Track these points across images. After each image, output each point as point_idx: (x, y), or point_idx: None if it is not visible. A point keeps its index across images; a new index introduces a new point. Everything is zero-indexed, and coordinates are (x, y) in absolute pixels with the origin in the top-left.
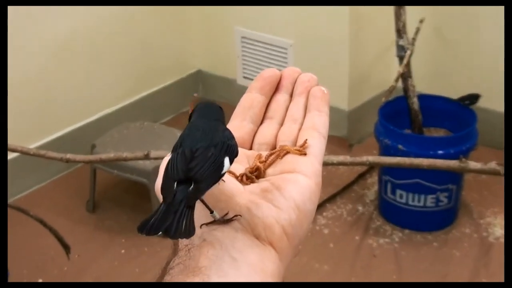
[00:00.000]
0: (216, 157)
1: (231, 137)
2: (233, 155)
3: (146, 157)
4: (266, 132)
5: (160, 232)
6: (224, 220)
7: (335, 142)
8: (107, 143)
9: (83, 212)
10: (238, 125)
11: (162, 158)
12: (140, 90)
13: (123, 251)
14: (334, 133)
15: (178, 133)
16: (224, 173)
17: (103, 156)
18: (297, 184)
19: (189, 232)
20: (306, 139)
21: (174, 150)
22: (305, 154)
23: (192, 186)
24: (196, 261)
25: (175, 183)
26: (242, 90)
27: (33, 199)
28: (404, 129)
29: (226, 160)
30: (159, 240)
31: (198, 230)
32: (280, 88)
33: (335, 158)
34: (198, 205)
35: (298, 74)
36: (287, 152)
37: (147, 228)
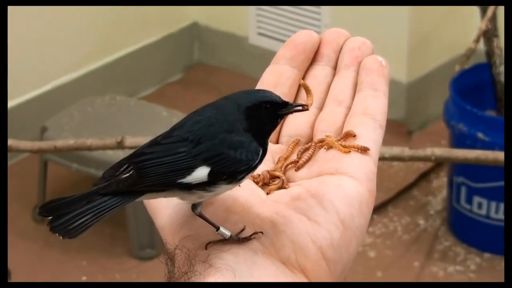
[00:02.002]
0: (186, 157)
1: (244, 147)
2: (223, 170)
3: (119, 145)
4: (299, 120)
5: (50, 217)
6: (239, 239)
7: (388, 128)
8: (64, 125)
9: (29, 223)
10: None
11: (140, 146)
12: (110, 51)
13: (84, 277)
14: (387, 115)
15: (164, 112)
16: (188, 184)
17: (58, 143)
18: (341, 191)
19: (73, 232)
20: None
21: None
22: (363, 150)
23: (128, 175)
24: None
25: (124, 166)
26: (255, 52)
27: None
28: (486, 110)
29: (201, 170)
30: (139, 263)
31: (202, 252)
32: (319, 58)
33: (387, 151)
34: (210, 210)
35: (344, 39)
36: (330, 147)
37: (46, 207)
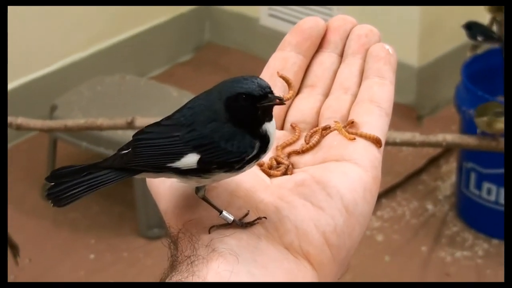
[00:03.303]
0: (178, 142)
1: (236, 139)
2: (212, 159)
3: (129, 125)
4: (305, 106)
5: (52, 183)
6: (243, 224)
7: (398, 112)
8: (73, 104)
9: (38, 201)
10: None
11: None
12: (121, 30)
13: (92, 256)
14: (397, 100)
15: (174, 93)
16: (176, 169)
17: (69, 122)
18: (346, 177)
19: (63, 201)
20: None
21: None
22: (376, 142)
23: (123, 152)
24: (202, 279)
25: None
26: (266, 34)
27: None
28: (498, 96)
29: (191, 156)
30: (147, 242)
31: (205, 236)
32: (325, 45)
33: (397, 136)
34: (213, 193)
35: (351, 26)
36: (341, 128)
37: (54, 173)
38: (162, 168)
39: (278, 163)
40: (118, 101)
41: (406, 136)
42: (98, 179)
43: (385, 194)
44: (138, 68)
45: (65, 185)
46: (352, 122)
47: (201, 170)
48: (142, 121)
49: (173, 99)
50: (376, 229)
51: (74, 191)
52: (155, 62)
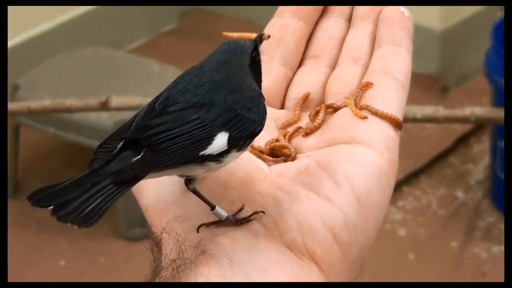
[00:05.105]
0: (202, 124)
1: (253, 105)
2: (241, 134)
3: (104, 106)
4: (308, 80)
5: (50, 207)
6: (237, 220)
7: (419, 84)
8: (39, 83)
9: None
10: (262, 68)
11: (128, 107)
12: None
13: (62, 262)
14: (418, 69)
15: (156, 67)
16: (215, 157)
17: (33, 104)
18: (357, 162)
19: (88, 219)
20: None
21: (151, 101)
22: (395, 124)
23: (141, 155)
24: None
25: (120, 144)
26: None
27: None
28: None
29: (221, 136)
30: (127, 244)
31: (193, 236)
32: (330, 9)
33: (419, 111)
34: (202, 185)
35: None
36: (352, 105)
37: (38, 196)
38: (192, 160)
39: (278, 147)
40: (91, 79)
41: (428, 110)
42: (111, 188)
43: (407, 180)
44: (115, 40)
45: (74, 203)
46: (366, 86)
47: (224, 152)
48: (119, 101)
49: (156, 74)
50: (397, 222)
51: (93, 205)
52: (134, 33)
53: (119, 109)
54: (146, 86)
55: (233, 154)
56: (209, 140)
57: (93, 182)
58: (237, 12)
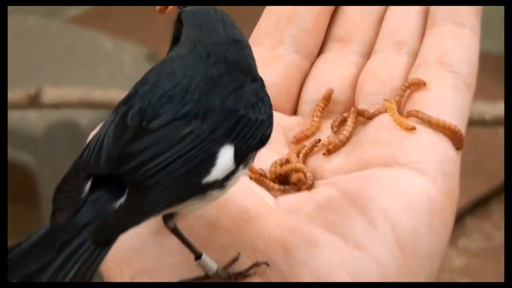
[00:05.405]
0: (199, 141)
1: (258, 99)
2: (249, 143)
3: (33, 101)
4: (332, 74)
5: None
6: (230, 276)
7: (485, 68)
8: None
9: None
10: (265, 55)
11: (68, 104)
12: None
13: None
14: (484, 47)
15: (107, 44)
16: (218, 183)
17: None
18: (400, 193)
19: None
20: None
21: (115, 110)
22: (454, 136)
23: (125, 197)
24: None
25: (89, 182)
26: None
27: None
28: None
29: (225, 152)
30: None
31: None
32: None
33: (488, 109)
34: (182, 224)
35: None
36: (393, 110)
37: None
38: (194, 191)
39: (289, 171)
40: (14, 61)
41: (500, 109)
42: (84, 253)
43: (472, 209)
44: (48, 5)
45: (47, 273)
46: (417, 84)
47: (230, 172)
48: (55, 95)
49: (107, 54)
50: (458, 270)
51: (73, 271)
52: None
53: (55, 106)
54: (95, 72)
55: (239, 173)
56: (211, 160)
57: (63, 241)
58: None
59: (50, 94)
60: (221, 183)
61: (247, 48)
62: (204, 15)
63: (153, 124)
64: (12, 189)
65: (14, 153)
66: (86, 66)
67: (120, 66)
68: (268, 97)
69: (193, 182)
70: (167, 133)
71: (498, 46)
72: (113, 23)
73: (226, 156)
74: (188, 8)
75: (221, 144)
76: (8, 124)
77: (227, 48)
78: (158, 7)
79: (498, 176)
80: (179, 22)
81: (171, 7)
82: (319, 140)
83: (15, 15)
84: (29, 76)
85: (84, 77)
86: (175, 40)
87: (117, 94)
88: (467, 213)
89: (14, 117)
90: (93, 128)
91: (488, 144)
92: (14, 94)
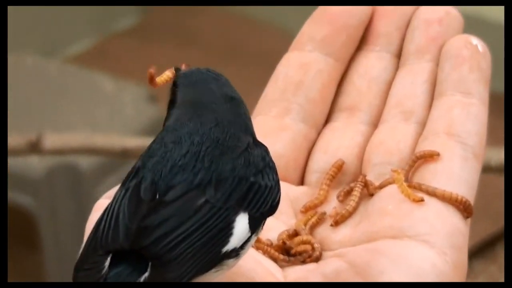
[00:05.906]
0: (215, 210)
1: (265, 165)
2: (262, 211)
3: (34, 148)
4: (339, 143)
5: None
6: None
7: (491, 107)
8: None
9: None
10: (273, 125)
11: (69, 150)
12: None
13: None
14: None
15: (108, 84)
16: (234, 251)
17: None
18: (408, 266)
19: None
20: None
21: (123, 184)
22: (464, 208)
23: (149, 271)
24: None
25: (108, 258)
26: None
27: None
28: None
29: (241, 220)
30: None
31: None
32: (371, 40)
33: (494, 155)
34: None
35: (413, 8)
36: (401, 182)
37: None
38: (216, 261)
39: (298, 244)
40: (14, 103)
41: (502, 155)
42: None
43: (479, 251)
44: (47, 44)
45: None
46: (428, 156)
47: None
48: (56, 140)
49: (107, 94)
50: None
51: None
52: (74, 33)
53: (57, 152)
54: (95, 114)
55: (252, 241)
56: (229, 229)
57: None
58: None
59: (51, 140)
60: (237, 252)
61: (242, 103)
62: (197, 74)
63: (168, 196)
64: (12, 231)
65: (14, 196)
66: (86, 107)
67: (121, 107)
68: (273, 163)
69: (214, 252)
70: (183, 204)
71: (502, 85)
72: (112, 61)
73: (242, 224)
74: (182, 70)
75: (236, 212)
76: (8, 166)
77: (223, 106)
78: (148, 77)
79: (502, 219)
80: (174, 85)
81: (161, 77)
82: (325, 213)
83: (13, 54)
84: (28, 118)
85: (84, 118)
86: (172, 103)
87: (118, 140)
88: (473, 254)
89: (15, 165)
90: (94, 172)
91: (493, 187)
92: (14, 139)
